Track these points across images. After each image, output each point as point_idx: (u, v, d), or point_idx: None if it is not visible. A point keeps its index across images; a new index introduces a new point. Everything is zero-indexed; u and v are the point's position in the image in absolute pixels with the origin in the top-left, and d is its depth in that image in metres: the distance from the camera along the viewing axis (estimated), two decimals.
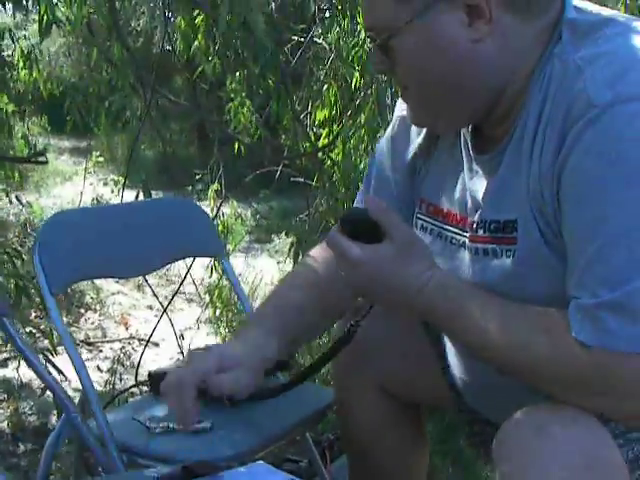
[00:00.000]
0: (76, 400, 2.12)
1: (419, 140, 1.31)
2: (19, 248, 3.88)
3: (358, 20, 2.63)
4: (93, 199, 5.84)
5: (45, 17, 2.41)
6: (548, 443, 0.98)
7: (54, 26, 2.46)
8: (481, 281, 1.14)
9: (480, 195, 1.16)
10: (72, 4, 2.61)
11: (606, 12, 1.10)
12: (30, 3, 2.59)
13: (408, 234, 1.15)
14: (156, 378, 1.74)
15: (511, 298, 1.08)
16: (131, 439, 1.48)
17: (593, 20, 1.07)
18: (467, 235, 1.18)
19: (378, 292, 1.16)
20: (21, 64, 2.81)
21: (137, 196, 2.94)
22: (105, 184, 6.37)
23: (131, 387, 2.51)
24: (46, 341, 2.90)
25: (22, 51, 2.80)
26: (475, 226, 1.16)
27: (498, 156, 1.13)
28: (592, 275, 0.98)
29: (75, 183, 7.06)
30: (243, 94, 3.30)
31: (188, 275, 3.09)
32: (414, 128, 1.32)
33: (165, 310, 2.55)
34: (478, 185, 1.17)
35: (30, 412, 2.67)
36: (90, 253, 1.65)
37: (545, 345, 1.02)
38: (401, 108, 1.36)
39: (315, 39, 3.13)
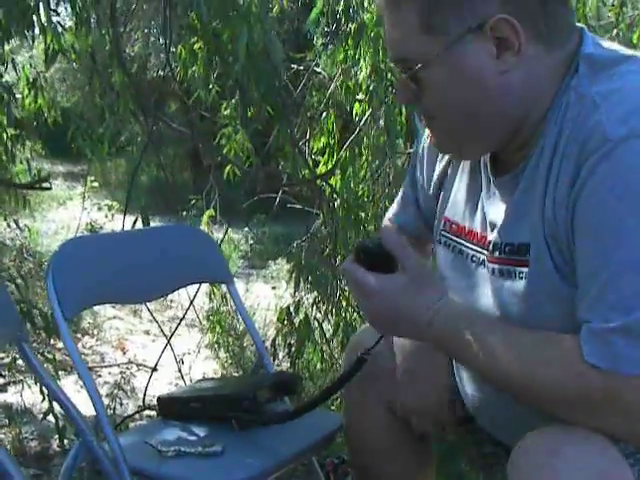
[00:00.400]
0: None
1: (443, 162, 1.37)
2: (15, 273, 3.90)
3: (364, 49, 2.67)
4: (87, 224, 5.87)
5: (51, 46, 2.46)
6: (562, 463, 1.00)
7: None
8: (498, 300, 1.18)
9: (496, 217, 1.20)
10: (77, 33, 2.64)
11: (625, 51, 1.14)
12: (35, 32, 2.61)
13: (420, 266, 1.19)
14: (165, 402, 1.76)
15: (525, 320, 1.12)
16: (143, 462, 1.50)
17: (610, 57, 1.11)
18: (486, 254, 1.22)
19: (390, 321, 1.20)
20: (26, 91, 2.83)
21: (135, 222, 2.96)
22: (99, 209, 6.40)
23: (137, 412, 2.51)
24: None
25: (27, 79, 2.82)
26: (491, 247, 1.20)
27: (514, 180, 1.17)
28: (604, 301, 1.01)
29: (69, 208, 7.08)
30: (237, 121, 3.33)
31: (186, 300, 3.11)
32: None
33: (169, 340, 2.57)
34: (495, 207, 1.21)
35: (31, 437, 2.67)
36: (102, 279, 1.68)
37: (557, 370, 1.04)
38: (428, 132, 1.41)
39: (315, 68, 3.17)
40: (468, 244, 1.28)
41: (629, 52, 1.13)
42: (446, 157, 1.36)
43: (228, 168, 3.25)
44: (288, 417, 1.53)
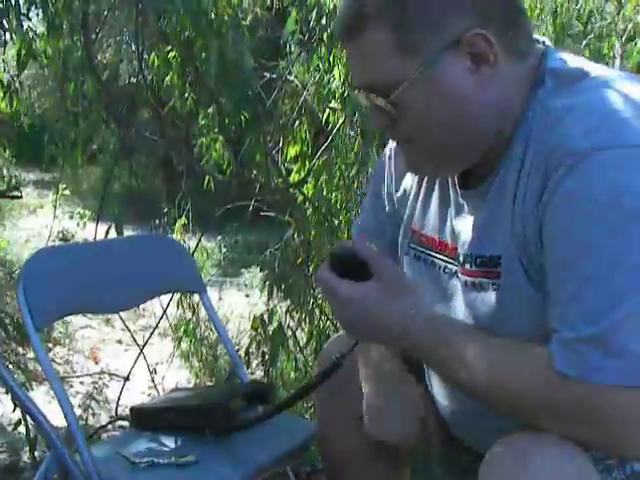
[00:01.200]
0: None
1: (409, 174, 1.36)
2: None
3: (336, 55, 2.68)
4: (59, 232, 5.82)
5: (23, 51, 2.44)
6: (531, 471, 1.01)
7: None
8: (471, 312, 1.19)
9: (465, 230, 1.21)
10: (49, 38, 2.63)
11: (589, 66, 1.15)
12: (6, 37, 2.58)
13: (395, 273, 1.20)
14: (138, 413, 1.75)
15: (496, 330, 1.13)
16: (116, 474, 1.49)
17: (575, 71, 1.12)
18: (457, 266, 1.23)
19: (365, 328, 1.20)
20: (0, 95, 2.80)
21: (108, 231, 2.94)
22: (71, 217, 6.34)
23: (110, 422, 2.49)
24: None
25: (2, 83, 2.80)
26: (462, 259, 1.21)
27: (483, 193, 1.17)
28: (572, 310, 1.02)
29: (40, 216, 7.02)
30: (215, 130, 3.32)
31: (158, 309, 3.10)
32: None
33: (142, 349, 2.55)
34: (464, 220, 1.22)
35: (1, 449, 2.64)
36: (74, 289, 1.67)
37: (527, 378, 1.06)
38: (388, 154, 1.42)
39: (287, 76, 3.17)
40: (440, 255, 1.28)
41: (594, 66, 1.15)
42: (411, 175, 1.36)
43: (208, 178, 3.24)
44: (261, 418, 1.52)
